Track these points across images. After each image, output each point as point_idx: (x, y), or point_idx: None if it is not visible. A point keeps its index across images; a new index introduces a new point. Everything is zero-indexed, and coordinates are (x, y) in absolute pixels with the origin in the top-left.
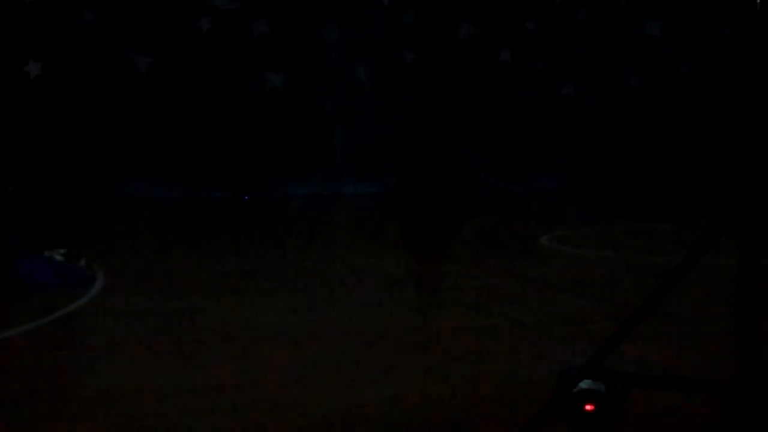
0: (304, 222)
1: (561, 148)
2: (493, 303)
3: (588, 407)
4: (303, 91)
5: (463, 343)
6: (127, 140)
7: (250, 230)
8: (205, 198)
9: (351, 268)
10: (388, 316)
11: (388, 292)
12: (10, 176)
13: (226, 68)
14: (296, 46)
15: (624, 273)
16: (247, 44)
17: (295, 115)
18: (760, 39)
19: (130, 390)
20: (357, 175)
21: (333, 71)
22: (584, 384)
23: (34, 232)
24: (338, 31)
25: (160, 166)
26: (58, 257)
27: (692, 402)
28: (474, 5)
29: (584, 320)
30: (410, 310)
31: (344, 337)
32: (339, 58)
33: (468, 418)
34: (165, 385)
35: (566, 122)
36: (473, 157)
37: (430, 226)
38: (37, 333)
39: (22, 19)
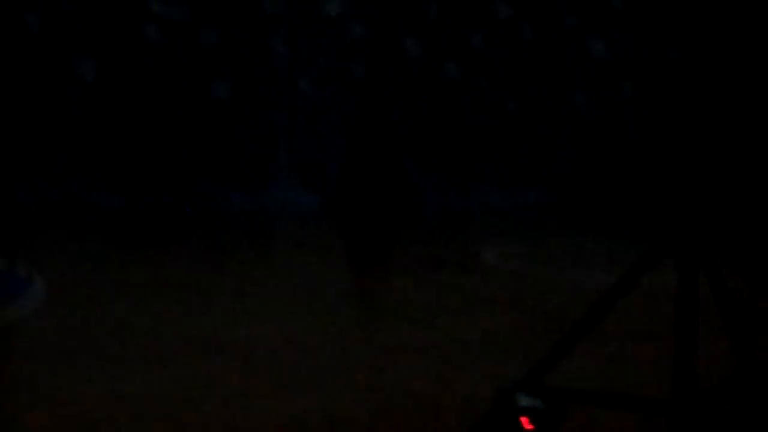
0: (246, 234)
1: (506, 164)
2: (432, 318)
3: (526, 424)
4: (248, 102)
5: (402, 358)
6: (69, 148)
7: (192, 241)
8: (147, 207)
9: (291, 281)
10: (328, 329)
11: (328, 306)
12: None
13: (172, 77)
14: (243, 56)
15: (564, 290)
16: (194, 54)
17: (241, 125)
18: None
19: (72, 399)
20: (300, 188)
21: (279, 83)
22: (522, 400)
23: None
24: (285, 43)
25: (101, 174)
26: None
27: (630, 420)
28: (422, 20)
29: (523, 337)
30: (350, 324)
31: (280, 351)
32: (285, 69)
33: (406, 430)
34: (106, 393)
35: (511, 139)
36: (416, 172)
37: (371, 241)
38: None
39: None
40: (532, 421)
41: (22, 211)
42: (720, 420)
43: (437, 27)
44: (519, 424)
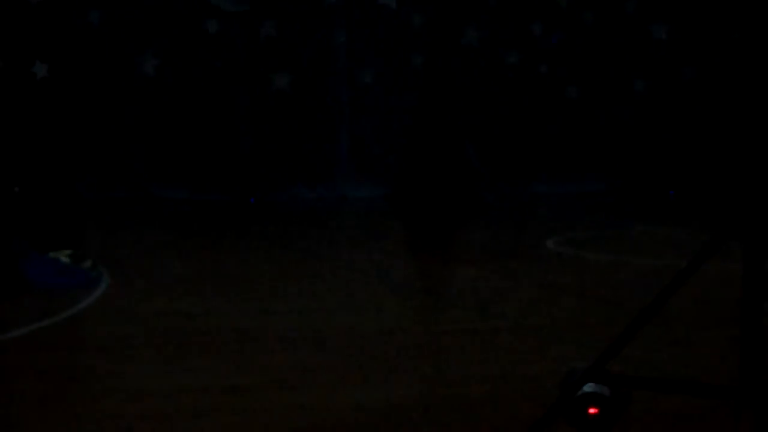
0: (309, 225)
1: (567, 152)
2: (496, 305)
3: (592, 410)
4: (309, 93)
5: (465, 346)
6: (132, 142)
7: (255, 233)
8: (210, 200)
9: (356, 270)
10: (392, 318)
11: (392, 294)
12: (15, 177)
13: (232, 70)
14: (303, 48)
15: (628, 277)
16: (254, 46)
17: (301, 117)
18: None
19: (134, 391)
20: (362, 178)
21: (340, 74)
22: (588, 387)
23: (39, 234)
24: (345, 34)
25: (165, 168)
26: (64, 258)
27: (696, 406)
28: (481, 9)
29: (587, 323)
30: (414, 312)
31: (346, 340)
32: (346, 60)
33: (470, 421)
34: (169, 386)
35: (571, 126)
36: (478, 161)
37: (434, 229)
38: (41, 334)
39: (28, 20)
40: (598, 408)
41: (86, 204)
42: None
43: (497, 15)
44: (585, 410)
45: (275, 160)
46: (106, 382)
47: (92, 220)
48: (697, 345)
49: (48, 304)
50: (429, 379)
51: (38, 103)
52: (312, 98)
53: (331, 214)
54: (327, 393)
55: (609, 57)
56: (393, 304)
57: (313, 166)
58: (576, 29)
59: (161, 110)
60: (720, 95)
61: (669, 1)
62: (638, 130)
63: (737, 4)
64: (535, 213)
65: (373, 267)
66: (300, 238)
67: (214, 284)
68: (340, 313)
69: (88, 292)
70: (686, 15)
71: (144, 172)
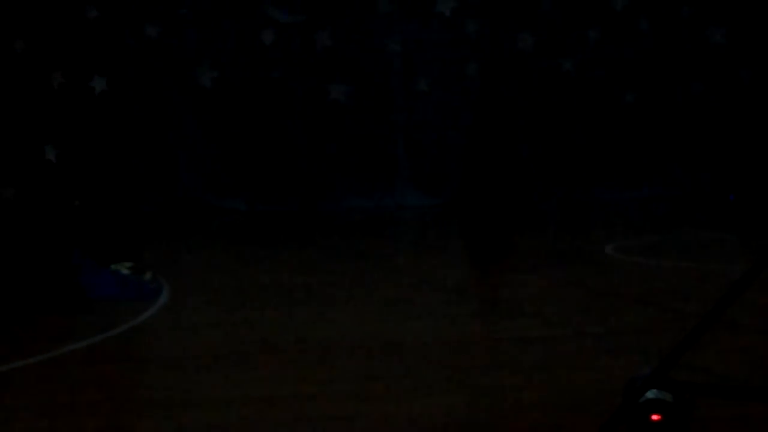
0: (366, 234)
1: (625, 157)
2: (557, 313)
3: (655, 417)
4: (366, 104)
5: (527, 353)
6: (191, 154)
7: (313, 243)
8: (269, 210)
9: (415, 279)
10: (452, 326)
11: (452, 303)
12: (76, 190)
13: (289, 81)
14: (359, 58)
15: (688, 283)
16: (310, 57)
17: (359, 127)
18: None
19: (197, 401)
20: (420, 187)
21: (396, 83)
22: (651, 394)
23: (100, 246)
24: (400, 43)
25: (224, 179)
26: (125, 271)
27: (759, 412)
28: (535, 15)
29: (649, 330)
30: (473, 320)
31: (406, 349)
32: (402, 69)
33: (535, 427)
34: (232, 396)
35: (629, 131)
36: (537, 168)
37: (492, 237)
38: (103, 346)
39: (86, 35)
40: (661, 415)
41: (145, 216)
42: None
43: (551, 21)
44: (648, 417)
45: (333, 170)
46: (166, 392)
47: (152, 232)
48: (759, 351)
49: (109, 317)
50: (493, 388)
51: (97, 117)
52: (368, 108)
53: (389, 224)
54: (388, 404)
55: (666, 61)
56: (452, 313)
57: (371, 175)
58: (632, 34)
59: (219, 122)
60: None
61: (725, 4)
62: (697, 134)
63: None
64: (592, 218)
65: (432, 276)
66: (358, 247)
67: (273, 294)
68: (399, 323)
69: (149, 303)
70: (743, 18)
71: (202, 184)
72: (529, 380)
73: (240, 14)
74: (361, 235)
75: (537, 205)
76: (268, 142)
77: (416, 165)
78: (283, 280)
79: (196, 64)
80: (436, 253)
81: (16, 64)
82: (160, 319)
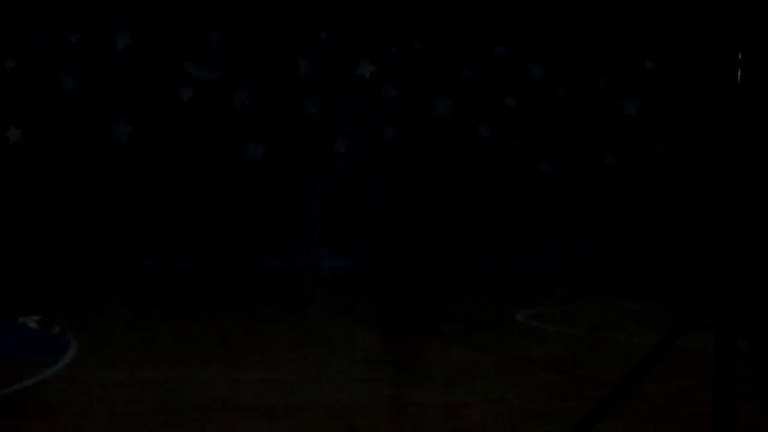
0: (280, 294)
1: (538, 224)
2: (466, 379)
3: None
4: (283, 163)
5: (434, 420)
6: (105, 208)
7: (225, 301)
8: (180, 268)
9: (323, 341)
10: (358, 390)
11: (364, 366)
12: None
13: (206, 138)
14: (277, 117)
15: (599, 351)
16: (228, 115)
17: (275, 186)
18: (740, 118)
19: None
20: (335, 248)
21: (313, 144)
22: None
23: (8, 298)
24: (318, 104)
25: (137, 234)
26: (32, 324)
27: None
28: (454, 82)
29: (558, 398)
30: (381, 384)
31: (313, 412)
32: (320, 130)
33: None
34: None
35: (544, 200)
36: (451, 232)
37: (405, 300)
38: (5, 401)
39: (3, 85)
40: None
41: (59, 269)
42: None
43: (469, 88)
44: None
45: (247, 229)
46: None
47: (63, 286)
48: (669, 421)
49: (12, 371)
50: None
51: (10, 168)
52: (285, 167)
53: (302, 284)
54: None
55: (581, 131)
56: (360, 377)
57: (285, 235)
58: (549, 103)
59: (134, 177)
60: (693, 169)
61: (640, 77)
62: (610, 204)
63: (707, 79)
64: (506, 284)
65: (342, 338)
66: (269, 307)
67: (182, 353)
68: (309, 385)
69: (56, 358)
70: (657, 91)
71: (116, 239)
72: None
73: (158, 69)
74: (275, 295)
75: (452, 269)
76: (183, 198)
77: (331, 226)
78: (193, 339)
79: (112, 118)
80: (348, 315)
81: None
82: (65, 376)
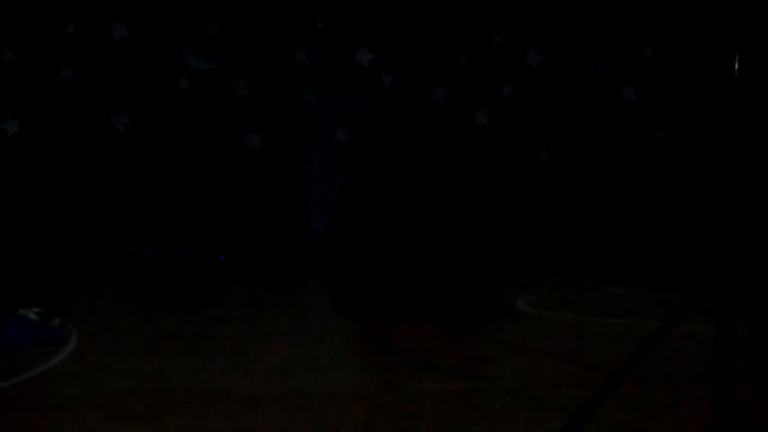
0: (277, 283)
1: (536, 213)
2: (466, 366)
3: None
4: (280, 152)
5: (433, 408)
6: (103, 199)
7: (223, 291)
8: (179, 258)
9: (325, 330)
10: (361, 379)
11: (361, 355)
12: None
13: (203, 128)
14: (274, 107)
15: (601, 337)
16: (225, 104)
17: (271, 175)
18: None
19: None
20: (330, 236)
21: (311, 133)
22: None
23: (8, 291)
24: (314, 93)
25: (136, 226)
26: (32, 316)
27: None
28: (450, 69)
29: (560, 384)
30: (384, 373)
31: (312, 401)
32: (317, 119)
33: None
34: None
35: (542, 187)
36: (448, 219)
37: (405, 288)
38: (7, 392)
39: (0, 77)
40: None
41: (58, 260)
42: None
43: (467, 76)
44: None
45: (244, 218)
46: None
47: (63, 277)
48: (669, 407)
49: (14, 363)
50: None
51: (9, 160)
52: (282, 156)
53: (299, 273)
54: None
55: (579, 118)
56: (362, 365)
57: (282, 224)
58: (546, 90)
59: (132, 168)
60: (690, 156)
61: (639, 63)
62: (608, 191)
63: (705, 65)
64: (504, 272)
65: (343, 327)
66: (267, 296)
67: (181, 343)
68: (307, 373)
69: (56, 350)
70: (656, 77)
71: (115, 230)
72: None
73: (155, 60)
74: (272, 283)
75: (448, 255)
76: (181, 189)
77: (328, 214)
78: (193, 328)
79: (109, 109)
80: (344, 303)
81: None
82: (67, 366)
